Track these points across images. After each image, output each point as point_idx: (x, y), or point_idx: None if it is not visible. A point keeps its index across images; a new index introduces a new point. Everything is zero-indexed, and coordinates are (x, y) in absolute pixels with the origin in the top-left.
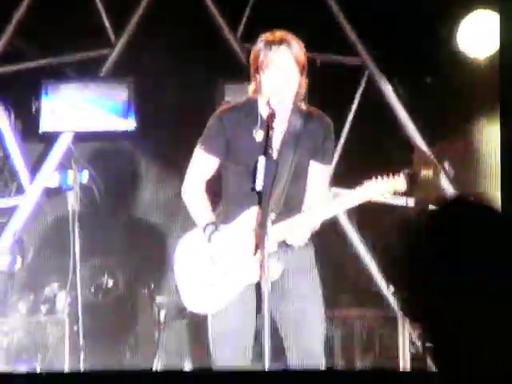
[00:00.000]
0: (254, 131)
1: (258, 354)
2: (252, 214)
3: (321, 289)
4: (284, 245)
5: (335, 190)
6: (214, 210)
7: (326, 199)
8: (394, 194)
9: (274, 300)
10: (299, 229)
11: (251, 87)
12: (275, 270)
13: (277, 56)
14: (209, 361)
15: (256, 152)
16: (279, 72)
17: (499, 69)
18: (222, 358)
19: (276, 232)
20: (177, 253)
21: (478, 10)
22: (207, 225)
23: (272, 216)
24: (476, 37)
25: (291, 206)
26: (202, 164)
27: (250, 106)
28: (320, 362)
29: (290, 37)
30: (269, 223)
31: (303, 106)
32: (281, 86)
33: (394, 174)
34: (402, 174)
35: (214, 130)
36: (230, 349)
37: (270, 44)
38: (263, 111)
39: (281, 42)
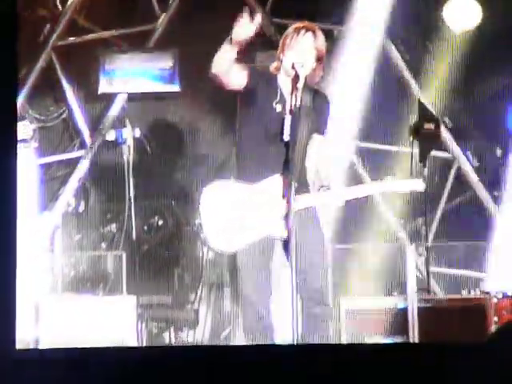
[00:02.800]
0: (274, 102)
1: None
2: (275, 179)
3: (324, 240)
4: None
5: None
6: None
7: (329, 166)
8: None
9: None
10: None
11: (274, 65)
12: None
13: (302, 40)
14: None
15: (274, 120)
16: (300, 53)
17: None
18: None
19: (298, 201)
20: (205, 194)
21: None
22: None
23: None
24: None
25: (301, 178)
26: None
27: (272, 76)
28: (327, 298)
29: (316, 27)
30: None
31: (312, 86)
32: (299, 63)
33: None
34: (421, 178)
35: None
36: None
37: (298, 30)
38: (283, 85)
39: (307, 29)
